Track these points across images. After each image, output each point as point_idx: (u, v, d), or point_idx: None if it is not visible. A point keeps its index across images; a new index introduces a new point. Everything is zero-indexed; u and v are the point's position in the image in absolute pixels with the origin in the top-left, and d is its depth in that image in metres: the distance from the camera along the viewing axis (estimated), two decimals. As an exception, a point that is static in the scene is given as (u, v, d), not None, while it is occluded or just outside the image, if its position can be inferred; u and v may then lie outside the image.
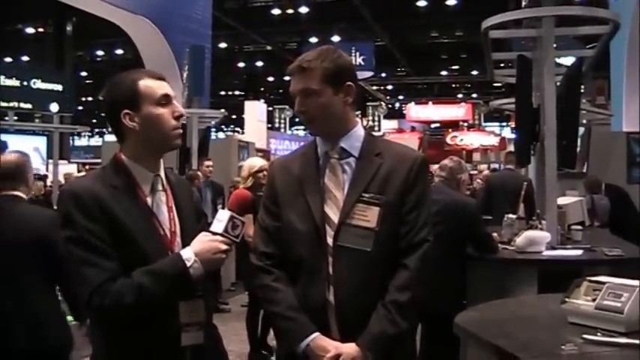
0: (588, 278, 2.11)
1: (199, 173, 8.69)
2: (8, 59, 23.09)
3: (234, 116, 32.31)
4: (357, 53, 22.82)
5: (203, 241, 1.93)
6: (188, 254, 1.90)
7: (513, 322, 2.22)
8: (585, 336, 1.89)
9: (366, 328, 2.03)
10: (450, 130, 30.97)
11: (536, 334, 1.91)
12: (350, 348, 1.99)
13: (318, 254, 2.08)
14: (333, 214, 2.09)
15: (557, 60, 6.01)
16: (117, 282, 1.84)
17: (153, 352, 1.93)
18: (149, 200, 2.01)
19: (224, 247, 1.93)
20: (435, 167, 4.45)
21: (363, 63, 22.91)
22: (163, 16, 13.12)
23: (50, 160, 12.54)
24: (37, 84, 12.32)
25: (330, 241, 2.07)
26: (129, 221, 1.91)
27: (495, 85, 30.05)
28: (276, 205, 2.19)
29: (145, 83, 1.99)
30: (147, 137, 1.99)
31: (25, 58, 27.06)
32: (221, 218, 1.95)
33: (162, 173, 2.08)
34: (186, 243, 1.99)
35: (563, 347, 1.82)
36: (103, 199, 1.90)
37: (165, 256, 1.95)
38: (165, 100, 2.01)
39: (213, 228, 1.94)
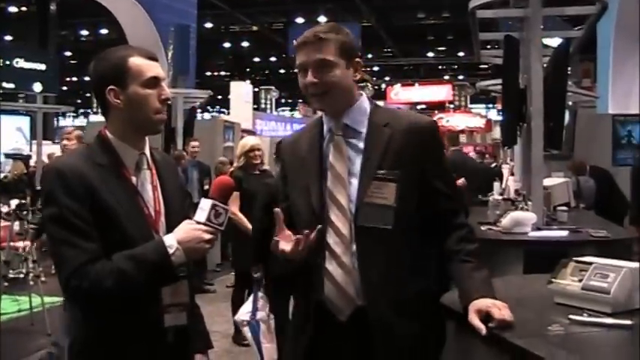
0: (575, 259, 2.11)
1: (184, 153, 8.67)
2: (-10, 38, 22.86)
3: (219, 97, 32.08)
4: (344, 34, 22.67)
5: (186, 230, 1.87)
6: (170, 241, 1.85)
7: (499, 302, 2.21)
8: (572, 316, 1.90)
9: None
10: (436, 111, 30.96)
11: (522, 314, 1.91)
12: (484, 302, 1.88)
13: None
14: (339, 194, 2.06)
15: (544, 41, 6.00)
16: (96, 265, 1.80)
17: (134, 334, 1.90)
18: (134, 179, 1.97)
19: (207, 236, 1.87)
20: None
21: (349, 44, 22.75)
22: (148, -6, 12.98)
23: (34, 141, 12.40)
24: (20, 63, 12.20)
25: (344, 220, 2.04)
26: (113, 200, 1.88)
27: (481, 66, 30.08)
28: (285, 185, 2.22)
29: (135, 61, 1.94)
30: (130, 117, 1.95)
31: (8, 38, 26.73)
32: (203, 207, 1.89)
33: (147, 151, 2.04)
34: (170, 223, 1.96)
35: (549, 328, 1.82)
36: (88, 177, 1.86)
37: (149, 236, 1.91)
38: (154, 82, 1.96)
39: (196, 217, 1.89)
